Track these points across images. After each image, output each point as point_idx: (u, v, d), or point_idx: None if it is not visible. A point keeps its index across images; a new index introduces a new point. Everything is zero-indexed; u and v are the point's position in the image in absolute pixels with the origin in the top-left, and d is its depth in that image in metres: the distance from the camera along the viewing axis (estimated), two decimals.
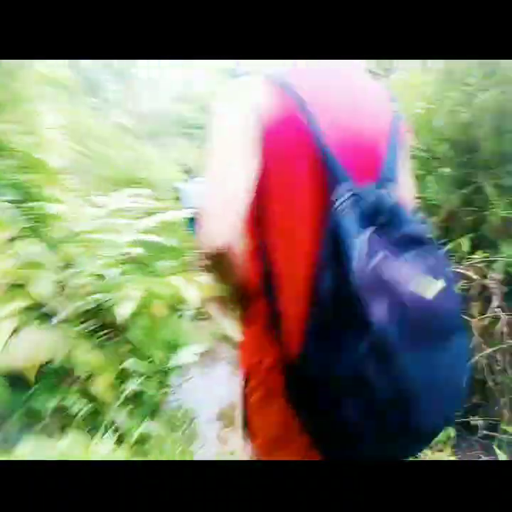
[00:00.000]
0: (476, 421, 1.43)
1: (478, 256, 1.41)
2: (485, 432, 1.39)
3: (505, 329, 1.31)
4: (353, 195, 0.63)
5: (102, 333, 1.96)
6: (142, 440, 1.72)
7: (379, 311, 0.55)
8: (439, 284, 0.59)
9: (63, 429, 1.52)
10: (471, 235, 1.46)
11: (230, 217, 0.63)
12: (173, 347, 2.42)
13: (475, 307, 1.40)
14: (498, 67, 1.29)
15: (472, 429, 1.46)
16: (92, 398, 1.66)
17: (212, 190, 0.66)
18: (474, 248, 1.45)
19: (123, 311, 1.80)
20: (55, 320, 1.72)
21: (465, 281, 1.43)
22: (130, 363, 1.80)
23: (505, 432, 1.34)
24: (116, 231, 2.31)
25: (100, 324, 2.01)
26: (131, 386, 1.75)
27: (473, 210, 1.47)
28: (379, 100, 0.76)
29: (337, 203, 0.62)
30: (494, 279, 1.38)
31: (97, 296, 1.91)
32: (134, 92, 11.59)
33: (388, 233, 0.62)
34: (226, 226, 0.63)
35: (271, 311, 0.69)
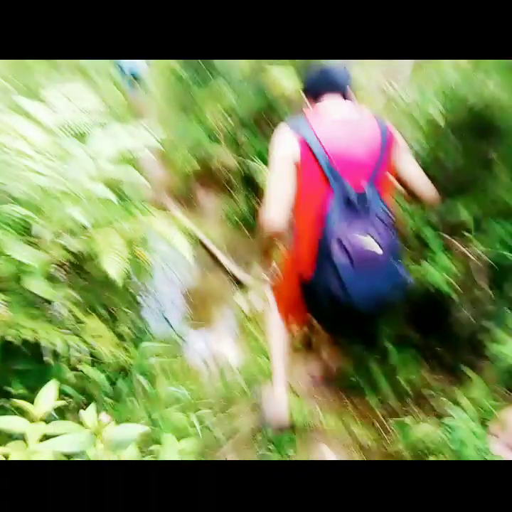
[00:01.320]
0: None
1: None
2: None
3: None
4: (344, 196, 1.23)
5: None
6: None
7: (339, 254, 1.22)
8: (376, 247, 1.24)
9: None
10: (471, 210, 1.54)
11: (282, 209, 1.28)
12: None
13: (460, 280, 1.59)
14: None
15: None
16: None
17: (270, 193, 1.28)
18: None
19: (112, 270, 1.60)
20: None
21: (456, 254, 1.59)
22: None
23: None
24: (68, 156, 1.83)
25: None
26: None
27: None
28: (370, 129, 1.29)
29: (331, 201, 1.24)
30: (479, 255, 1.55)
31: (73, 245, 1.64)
32: None
33: (363, 214, 1.24)
34: (280, 214, 1.29)
35: (297, 257, 1.42)
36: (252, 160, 3.48)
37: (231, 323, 2.75)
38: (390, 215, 1.28)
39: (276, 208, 1.28)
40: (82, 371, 1.58)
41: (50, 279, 1.52)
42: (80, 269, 1.93)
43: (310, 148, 1.21)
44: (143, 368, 1.84)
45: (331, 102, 1.34)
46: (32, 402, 1.11)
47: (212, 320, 2.80)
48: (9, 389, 1.39)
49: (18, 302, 1.39)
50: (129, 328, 2.08)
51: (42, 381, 1.39)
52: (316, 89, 1.38)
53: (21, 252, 1.22)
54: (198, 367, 2.35)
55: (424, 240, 1.68)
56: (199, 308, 2.89)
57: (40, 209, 1.70)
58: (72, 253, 1.82)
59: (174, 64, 4.45)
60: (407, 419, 1.59)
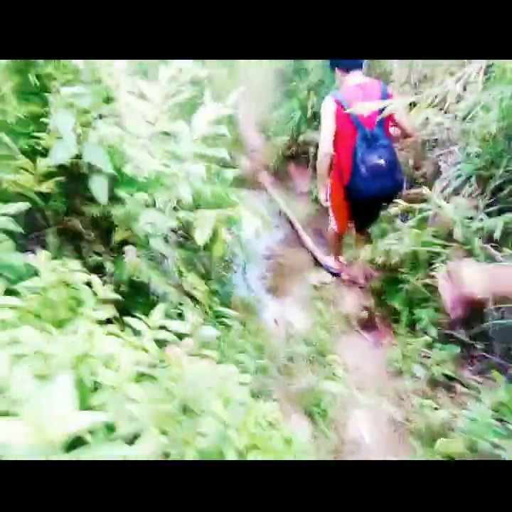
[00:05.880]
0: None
1: None
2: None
3: None
4: (363, 133, 2.30)
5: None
6: None
7: (363, 168, 2.34)
8: (382, 161, 2.32)
9: None
10: None
11: (330, 143, 2.42)
12: None
13: None
14: None
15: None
16: None
17: (323, 136, 2.44)
18: None
19: (201, 237, 1.94)
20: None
21: None
22: None
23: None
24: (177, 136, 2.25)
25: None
26: None
27: None
28: (376, 90, 2.28)
29: (357, 137, 2.32)
30: None
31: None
32: None
33: (374, 143, 2.32)
34: (329, 146, 2.43)
35: (340, 171, 2.54)
36: None
37: (303, 296, 3.13)
38: (391, 142, 2.35)
39: (327, 143, 2.39)
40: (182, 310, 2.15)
41: (166, 240, 2.06)
42: (186, 235, 2.49)
43: (342, 106, 2.24)
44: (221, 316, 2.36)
45: (354, 74, 2.35)
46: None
47: (288, 291, 3.22)
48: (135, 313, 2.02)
49: (145, 255, 1.96)
50: (220, 286, 2.62)
51: None
52: (346, 66, 2.36)
53: (152, 218, 1.75)
54: (269, 327, 2.82)
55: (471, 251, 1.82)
56: (278, 279, 3.32)
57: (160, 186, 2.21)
58: (182, 223, 2.36)
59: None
60: (428, 402, 1.82)
